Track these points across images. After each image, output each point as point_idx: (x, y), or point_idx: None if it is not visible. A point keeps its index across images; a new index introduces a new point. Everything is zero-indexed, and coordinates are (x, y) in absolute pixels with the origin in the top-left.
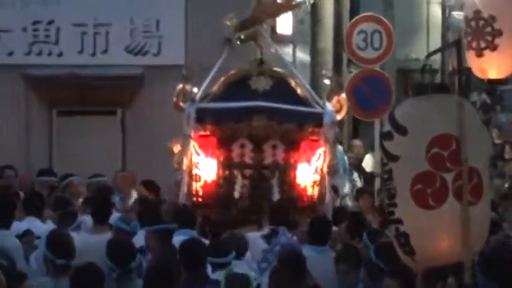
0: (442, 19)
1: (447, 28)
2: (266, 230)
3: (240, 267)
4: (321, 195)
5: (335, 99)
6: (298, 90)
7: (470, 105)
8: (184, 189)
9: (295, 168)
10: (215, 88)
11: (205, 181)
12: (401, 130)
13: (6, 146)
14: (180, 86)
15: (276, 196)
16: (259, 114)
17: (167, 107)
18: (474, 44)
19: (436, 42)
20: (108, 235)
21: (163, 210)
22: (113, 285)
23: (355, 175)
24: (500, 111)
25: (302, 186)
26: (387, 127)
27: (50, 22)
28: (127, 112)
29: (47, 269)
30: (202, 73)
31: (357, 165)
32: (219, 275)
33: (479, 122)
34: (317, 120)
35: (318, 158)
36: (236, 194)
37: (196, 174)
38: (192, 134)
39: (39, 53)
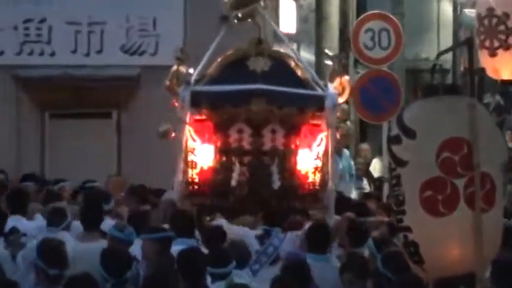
0: (453, 17)
1: (459, 26)
2: (260, 230)
3: (241, 276)
4: (323, 182)
5: (337, 81)
6: (299, 72)
7: (483, 107)
8: (180, 176)
9: (295, 154)
10: (211, 69)
11: (201, 168)
12: (410, 133)
13: None
14: (174, 67)
15: (276, 184)
16: (257, 97)
17: (165, 108)
18: (487, 43)
19: (447, 41)
20: (100, 243)
21: (161, 208)
22: None
23: (365, 182)
24: None
25: (303, 172)
26: (395, 130)
27: (42, 20)
28: (123, 114)
29: (38, 278)
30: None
31: (365, 171)
32: (218, 286)
33: (493, 125)
34: (318, 103)
35: (320, 143)
36: (234, 182)
37: (192, 161)
38: (188, 119)
39: (31, 53)
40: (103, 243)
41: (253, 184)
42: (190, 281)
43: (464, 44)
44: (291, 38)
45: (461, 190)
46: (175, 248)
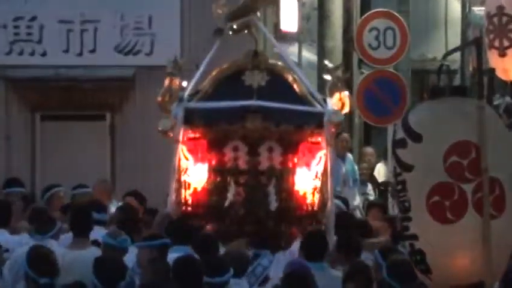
0: (461, 15)
1: (467, 25)
2: (250, 253)
3: (241, 285)
4: (322, 202)
5: (336, 96)
6: (297, 87)
7: (492, 109)
8: (173, 197)
9: (293, 174)
10: (205, 84)
11: (195, 188)
12: (416, 137)
13: None
14: (166, 83)
15: (273, 205)
16: (253, 114)
17: (161, 111)
18: (496, 43)
19: (454, 40)
20: (90, 250)
21: (156, 221)
22: None
23: (369, 187)
24: None
25: (301, 193)
26: (400, 134)
27: (33, 18)
28: (117, 117)
29: None
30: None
31: (369, 176)
32: None
33: (503, 128)
34: (317, 120)
35: (319, 162)
36: (229, 203)
37: (185, 181)
38: (180, 137)
39: (21, 53)
40: (94, 251)
41: (249, 205)
42: None
43: (473, 43)
44: (292, 36)
45: (470, 196)
46: (172, 256)
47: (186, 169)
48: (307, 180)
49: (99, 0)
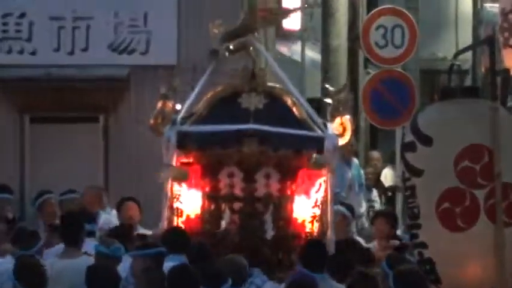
0: (473, 12)
1: (479, 23)
2: None
3: None
4: (322, 231)
5: (337, 121)
6: (296, 111)
7: (506, 111)
8: (164, 224)
9: (291, 201)
10: (200, 107)
11: (187, 216)
12: (426, 140)
13: None
14: (159, 105)
15: (269, 233)
16: (250, 138)
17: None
18: (511, 41)
19: (466, 38)
20: (81, 259)
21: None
22: None
23: (374, 194)
24: None
25: (300, 221)
26: (409, 136)
27: (22, 15)
28: (110, 118)
29: None
30: (198, 76)
31: (376, 181)
32: None
33: None
34: (317, 145)
35: (318, 189)
36: (223, 231)
37: (177, 208)
38: (173, 162)
39: (9, 51)
40: (85, 259)
41: (245, 233)
42: None
43: (486, 42)
44: (295, 35)
45: (482, 202)
46: (167, 265)
47: (179, 195)
48: (306, 208)
49: None
